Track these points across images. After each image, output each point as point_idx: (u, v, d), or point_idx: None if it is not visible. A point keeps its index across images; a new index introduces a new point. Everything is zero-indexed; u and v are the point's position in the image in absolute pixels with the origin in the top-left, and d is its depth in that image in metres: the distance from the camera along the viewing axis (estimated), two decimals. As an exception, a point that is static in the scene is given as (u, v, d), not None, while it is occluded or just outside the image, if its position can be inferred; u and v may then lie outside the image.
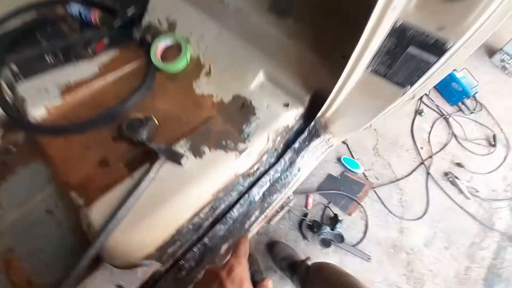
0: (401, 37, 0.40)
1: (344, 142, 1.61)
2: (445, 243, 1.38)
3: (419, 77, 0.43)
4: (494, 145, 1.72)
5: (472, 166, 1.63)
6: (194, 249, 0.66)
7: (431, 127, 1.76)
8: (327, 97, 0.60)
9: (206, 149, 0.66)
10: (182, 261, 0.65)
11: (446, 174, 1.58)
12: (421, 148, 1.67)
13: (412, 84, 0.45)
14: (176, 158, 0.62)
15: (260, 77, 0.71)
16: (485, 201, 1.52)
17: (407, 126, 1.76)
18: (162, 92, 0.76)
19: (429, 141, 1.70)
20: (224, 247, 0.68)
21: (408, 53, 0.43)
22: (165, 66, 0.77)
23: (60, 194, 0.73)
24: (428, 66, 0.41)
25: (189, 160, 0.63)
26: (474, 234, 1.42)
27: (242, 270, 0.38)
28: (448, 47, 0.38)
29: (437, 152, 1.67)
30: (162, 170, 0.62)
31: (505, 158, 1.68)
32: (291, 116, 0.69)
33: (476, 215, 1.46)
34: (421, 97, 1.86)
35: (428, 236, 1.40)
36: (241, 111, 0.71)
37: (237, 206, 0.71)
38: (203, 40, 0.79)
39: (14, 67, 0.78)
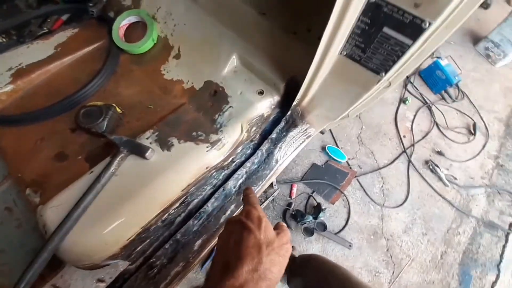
0: (375, 15, 0.36)
1: (325, 132, 1.60)
2: (423, 229, 1.42)
3: (394, 62, 0.40)
4: (473, 134, 1.75)
5: (452, 154, 1.66)
6: (165, 246, 0.63)
7: (414, 116, 1.77)
8: (302, 83, 0.55)
9: (174, 140, 0.62)
10: (153, 259, 0.62)
11: (426, 162, 1.61)
12: (404, 136, 1.69)
13: (387, 70, 0.41)
14: (140, 151, 0.57)
15: (234, 61, 0.66)
16: (462, 188, 1.56)
17: (391, 114, 1.76)
18: (126, 76, 0.70)
19: (411, 130, 1.72)
20: (198, 243, 0.65)
21: (383, 35, 0.39)
22: (129, 47, 0.70)
23: (18, 191, 0.67)
24: (403, 49, 0.37)
25: (155, 153, 0.59)
26: (451, 220, 1.47)
27: (258, 211, 0.39)
28: (425, 27, 0.34)
29: (419, 140, 1.69)
30: (125, 164, 0.57)
31: (483, 146, 1.73)
32: (266, 104, 0.65)
33: (454, 202, 1.51)
34: (406, 85, 1.86)
35: (407, 222, 1.43)
36: (213, 99, 0.66)
37: (212, 200, 0.68)
38: (171, 18, 0.71)
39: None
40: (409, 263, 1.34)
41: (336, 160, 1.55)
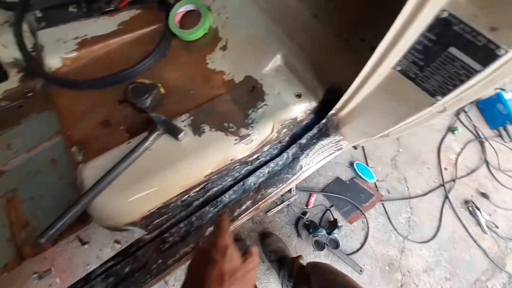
0: (443, 32, 0.33)
1: (358, 147, 1.52)
2: (447, 274, 1.29)
3: (455, 87, 0.36)
4: (530, 181, 1.53)
5: (498, 199, 1.47)
6: (180, 225, 0.66)
7: (462, 149, 1.60)
8: (343, 93, 0.53)
9: (206, 127, 0.64)
10: (167, 234, 0.65)
11: (466, 202, 1.45)
12: (445, 169, 1.53)
13: (444, 94, 0.38)
14: (174, 132, 0.60)
15: (277, 60, 0.66)
16: (502, 239, 1.38)
17: (434, 142, 1.61)
18: (174, 60, 0.73)
19: (456, 163, 1.55)
20: (209, 229, 0.67)
21: (448, 55, 0.35)
22: (182, 33, 0.74)
23: (65, 147, 0.75)
24: (469, 75, 0.33)
25: (187, 137, 0.61)
26: (481, 271, 1.31)
27: (225, 240, 0.39)
28: (500, 54, 0.30)
29: (463, 176, 1.52)
30: (159, 141, 0.60)
31: (540, 198, 1.50)
32: (302, 108, 0.63)
33: (489, 252, 1.34)
34: (458, 113, 1.69)
35: (431, 262, 1.31)
36: (250, 94, 0.66)
37: (230, 192, 0.69)
38: (225, 11, 0.73)
39: (39, 13, 0.79)
40: (423, 305, 1.23)
41: (363, 179, 1.47)
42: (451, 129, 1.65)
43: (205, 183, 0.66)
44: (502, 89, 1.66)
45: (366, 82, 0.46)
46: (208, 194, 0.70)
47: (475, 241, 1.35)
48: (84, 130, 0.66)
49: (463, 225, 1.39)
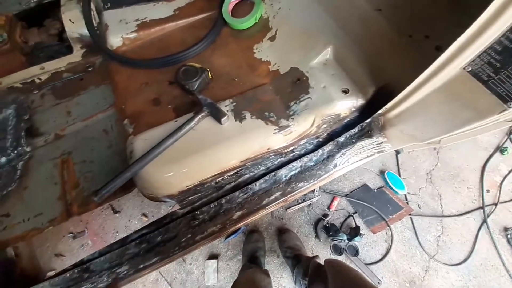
0: (530, 34, 0.30)
1: (401, 152, 1.45)
2: (475, 302, 1.19)
3: (534, 94, 0.33)
4: None
5: (547, 233, 1.32)
6: (211, 205, 0.69)
7: (510, 171, 1.45)
8: (397, 93, 0.51)
9: (248, 114, 0.65)
10: (198, 212, 0.69)
11: (506, 229, 1.32)
12: (487, 191, 1.40)
13: (519, 101, 0.35)
14: (218, 115, 0.62)
15: (327, 53, 0.65)
16: (545, 277, 1.23)
17: (479, 160, 1.48)
18: (222, 47, 0.76)
19: (500, 186, 1.41)
20: (237, 214, 0.69)
21: (530, 59, 0.32)
22: (233, 21, 0.76)
23: (117, 119, 0.82)
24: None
25: (229, 121, 0.64)
26: (515, 305, 1.19)
27: None
28: None
29: (506, 201, 1.38)
30: (203, 122, 0.64)
31: None
32: (347, 105, 0.62)
33: (527, 287, 1.21)
34: (511, 133, 1.52)
35: (457, 287, 1.22)
36: (294, 86, 0.66)
37: (261, 180, 0.71)
38: (278, 1, 0.74)
39: (106, -6, 0.86)
40: (443, 331, 1.15)
41: (393, 190, 1.40)
42: (500, 149, 1.50)
43: (240, 168, 0.68)
44: None
45: (428, 82, 0.43)
46: (240, 179, 0.72)
47: (507, 271, 1.23)
48: (136, 106, 0.71)
49: (498, 253, 1.26)
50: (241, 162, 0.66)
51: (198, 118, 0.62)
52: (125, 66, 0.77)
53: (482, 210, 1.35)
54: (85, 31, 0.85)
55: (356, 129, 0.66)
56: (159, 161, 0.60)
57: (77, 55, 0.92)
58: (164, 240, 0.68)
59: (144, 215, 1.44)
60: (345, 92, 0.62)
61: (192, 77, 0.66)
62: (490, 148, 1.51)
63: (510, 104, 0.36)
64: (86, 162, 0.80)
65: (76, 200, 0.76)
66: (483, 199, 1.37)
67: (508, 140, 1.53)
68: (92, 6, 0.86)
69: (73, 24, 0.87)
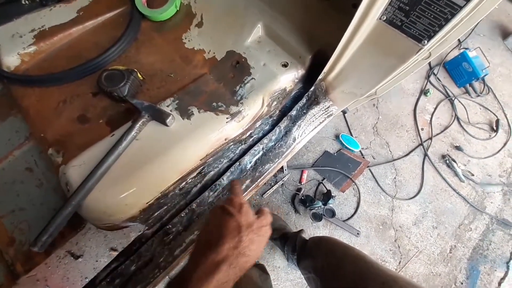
0: (427, -28, 0.33)
1: (343, 113, 1.56)
2: (434, 223, 1.40)
3: (440, 27, 0.36)
4: (495, 131, 1.68)
5: (471, 150, 1.60)
6: (181, 214, 0.64)
7: (435, 108, 1.70)
8: (330, 56, 0.53)
9: (194, 109, 0.61)
10: (169, 225, 0.63)
11: (443, 156, 1.56)
12: (422, 129, 1.63)
13: (430, 37, 0.38)
14: (161, 117, 0.57)
15: (259, 31, 0.63)
16: (478, 185, 1.51)
17: (410, 106, 1.70)
18: (147, 43, 0.68)
19: (430, 123, 1.65)
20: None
21: (433, -4, 0.36)
22: (151, 13, 0.69)
23: (39, 151, 0.69)
24: (454, 12, 0.34)
25: (175, 121, 0.58)
26: (463, 216, 1.44)
27: (240, 199, 0.43)
28: (483, -14, 0.31)
29: (438, 134, 1.63)
30: (146, 129, 0.57)
31: (504, 144, 1.65)
32: (290, 78, 0.62)
33: (468, 198, 1.47)
34: (429, 76, 1.78)
35: (418, 215, 1.41)
36: (234, 70, 0.64)
37: (227, 173, 0.68)
38: (195, -16, 0.69)
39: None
40: (416, 254, 1.33)
41: (349, 149, 1.52)
42: (423, 92, 1.74)
43: (202, 167, 0.64)
44: (466, 49, 1.77)
45: (352, 40, 0.46)
46: (205, 178, 0.68)
47: (454, 190, 1.47)
48: (59, 129, 0.60)
49: (443, 178, 1.50)
50: (201, 160, 0.62)
51: (138, 125, 0.55)
52: (31, 86, 0.64)
53: (421, 146, 1.57)
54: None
55: (304, 100, 0.67)
56: (106, 184, 0.52)
57: (-38, 88, 0.73)
58: (139, 267, 0.61)
59: (113, 249, 1.29)
60: (285, 65, 0.62)
61: (118, 82, 0.58)
62: (416, 93, 1.74)
63: (424, 42, 0.39)
64: (15, 212, 0.66)
65: (17, 258, 0.63)
66: (420, 137, 1.59)
67: (428, 82, 1.78)
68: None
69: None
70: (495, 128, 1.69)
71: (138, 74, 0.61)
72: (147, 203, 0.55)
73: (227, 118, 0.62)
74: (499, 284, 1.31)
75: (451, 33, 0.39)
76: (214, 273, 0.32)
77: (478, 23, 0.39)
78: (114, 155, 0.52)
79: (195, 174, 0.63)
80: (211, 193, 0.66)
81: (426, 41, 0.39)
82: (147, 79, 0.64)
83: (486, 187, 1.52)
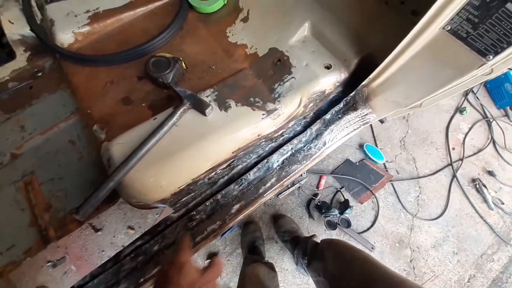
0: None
1: (385, 121, 1.52)
2: (455, 248, 1.33)
3: (509, 44, 0.34)
4: (534, 159, 1.56)
5: (504, 177, 1.50)
6: (206, 203, 0.65)
7: (470, 129, 1.61)
8: (379, 62, 0.51)
9: (232, 103, 0.62)
10: (194, 212, 0.65)
11: (473, 180, 1.47)
12: (453, 149, 1.55)
13: (497, 53, 0.36)
14: (201, 107, 0.58)
15: (305, 30, 0.63)
16: (508, 215, 1.42)
17: (443, 123, 1.62)
18: (192, 33, 0.70)
19: (463, 143, 1.57)
20: (235, 207, 0.66)
21: (505, 11, 0.34)
22: (199, 4, 0.70)
23: (83, 126, 0.73)
24: (531, 29, 0.32)
25: (213, 111, 0.60)
26: (487, 245, 1.35)
27: (179, 258, 0.42)
28: None
29: (470, 156, 1.54)
30: (186, 117, 0.59)
31: (543, 175, 1.53)
32: (331, 80, 0.62)
33: (495, 227, 1.38)
34: (466, 94, 1.68)
35: (439, 238, 1.35)
36: (275, 67, 0.64)
37: (254, 169, 0.68)
38: (246, -21, 0.70)
39: (46, -14, 0.74)
40: (432, 278, 1.27)
41: (373, 160, 1.48)
42: (459, 110, 1.65)
43: (232, 160, 0.65)
44: (510, 69, 1.65)
45: (409, 47, 0.44)
46: (233, 171, 0.69)
47: (481, 217, 1.39)
48: (105, 108, 0.64)
49: (470, 202, 1.42)
50: (233, 153, 0.63)
51: (179, 112, 0.57)
52: (82, 65, 0.68)
53: (450, 167, 1.49)
54: (27, 31, 0.73)
55: (341, 104, 0.66)
56: (144, 165, 0.55)
57: (21, 60, 0.79)
58: (162, 248, 0.63)
59: (130, 227, 1.34)
60: (328, 67, 0.61)
61: (164, 69, 0.60)
62: (450, 110, 1.66)
63: (489, 58, 0.37)
64: (55, 180, 0.70)
65: (51, 223, 0.67)
66: (450, 157, 1.51)
67: (466, 100, 1.68)
68: (33, 2, 0.73)
69: (13, 25, 0.74)
70: (534, 156, 1.57)
71: (183, 63, 0.63)
72: (179, 187, 0.57)
73: (263, 115, 0.62)
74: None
75: (521, 51, 0.36)
76: None
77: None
78: (155, 138, 0.54)
79: (224, 166, 0.64)
80: (236, 187, 0.67)
81: (491, 57, 0.37)
82: (189, 68, 0.66)
83: (517, 219, 1.41)
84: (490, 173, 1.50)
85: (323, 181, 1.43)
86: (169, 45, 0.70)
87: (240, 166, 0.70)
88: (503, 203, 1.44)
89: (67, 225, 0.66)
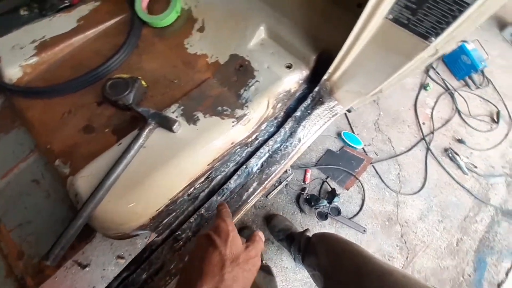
0: (434, -30, 0.33)
1: (348, 112, 1.56)
2: (439, 217, 1.40)
3: (448, 24, 0.36)
4: (496, 122, 1.68)
5: (473, 143, 1.61)
6: (190, 220, 0.64)
7: (435, 102, 1.70)
8: (335, 57, 0.53)
9: (200, 115, 0.61)
10: (179, 232, 0.63)
11: (446, 150, 1.56)
12: (423, 123, 1.63)
13: (438, 34, 0.38)
14: (167, 124, 0.56)
15: (261, 33, 0.63)
16: (482, 177, 1.52)
17: (410, 101, 1.70)
18: (148, 50, 0.68)
19: (431, 117, 1.66)
20: (221, 218, 0.65)
21: (440, -7, 0.36)
22: (152, 19, 0.68)
23: (45, 163, 0.68)
24: (461, 9, 0.34)
25: (181, 127, 0.58)
26: (468, 208, 1.44)
27: (227, 225, 0.39)
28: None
29: (439, 128, 1.63)
30: (153, 136, 0.57)
31: (506, 135, 1.66)
32: (294, 79, 0.62)
33: (472, 190, 1.47)
34: (428, 70, 1.78)
35: (423, 210, 1.41)
36: (238, 73, 0.64)
37: (235, 177, 0.68)
38: (195, -11, 0.69)
39: (-19, 21, 0.69)
40: (423, 249, 1.33)
41: (352, 147, 1.52)
42: (423, 86, 1.74)
43: (209, 172, 0.64)
44: (464, 41, 1.77)
45: (358, 39, 0.46)
46: (213, 183, 0.68)
47: (458, 183, 1.48)
48: (65, 140, 0.60)
49: (446, 171, 1.50)
50: (208, 165, 0.62)
51: (145, 133, 0.55)
52: (34, 98, 0.63)
53: (423, 141, 1.57)
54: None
55: (308, 100, 0.67)
56: (115, 194, 0.52)
57: (-35, 102, 0.73)
58: (150, 275, 0.61)
59: (120, 257, 1.28)
60: (289, 67, 0.62)
61: (123, 90, 0.58)
62: (415, 88, 1.75)
63: (431, 40, 0.39)
64: (23, 225, 0.65)
65: (26, 272, 0.62)
66: (422, 132, 1.59)
67: (428, 77, 1.78)
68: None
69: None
70: (496, 119, 1.69)
71: (142, 82, 0.61)
72: (156, 210, 0.55)
73: (232, 122, 0.62)
74: (507, 274, 1.31)
75: (459, 30, 0.39)
76: None
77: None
78: (123, 164, 0.52)
79: (202, 179, 0.63)
80: (218, 198, 0.66)
81: (433, 39, 0.39)
82: (150, 86, 0.64)
83: (489, 179, 1.52)
84: (460, 141, 1.60)
85: (308, 175, 1.45)
86: (126, 64, 0.68)
87: (219, 177, 0.69)
88: (475, 167, 1.54)
89: (43, 271, 0.62)
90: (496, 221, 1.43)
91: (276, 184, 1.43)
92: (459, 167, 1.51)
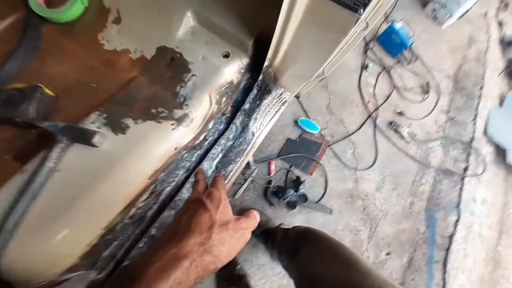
0: None
1: (297, 98, 1.58)
2: (392, 185, 1.53)
3: (374, -5, 0.35)
4: (427, 92, 1.89)
5: (411, 114, 1.78)
6: (139, 245, 0.55)
7: (376, 81, 1.84)
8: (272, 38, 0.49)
9: (130, 121, 0.51)
10: (127, 261, 0.54)
11: (390, 123, 1.70)
12: (368, 102, 1.75)
13: (365, 4, 0.37)
14: (85, 137, 0.46)
15: (189, 20, 0.56)
16: (422, 143, 1.70)
17: (355, 82, 1.80)
18: (55, 51, 0.55)
19: (374, 95, 1.78)
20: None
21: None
22: (52, 13, 0.55)
23: None
24: (385, -24, 0.33)
25: (106, 139, 0.48)
26: (415, 173, 1.61)
27: (220, 194, 0.38)
28: None
29: (382, 104, 1.77)
30: (68, 156, 0.46)
31: (436, 103, 1.88)
32: (235, 68, 0.57)
33: (416, 157, 1.64)
34: (366, 51, 1.91)
35: (379, 181, 1.53)
36: (171, 68, 0.56)
37: (187, 185, 0.61)
38: (102, -27, 0.57)
39: None
40: (383, 217, 1.44)
41: (309, 132, 1.55)
42: (364, 67, 1.86)
43: (153, 186, 0.55)
44: (393, 21, 1.93)
45: (290, 18, 0.42)
46: (161, 197, 0.59)
47: (404, 152, 1.63)
48: None
49: (392, 143, 1.64)
50: (149, 178, 0.53)
51: (55, 153, 0.43)
52: None
53: (370, 118, 1.68)
54: None
55: (255, 91, 0.63)
56: (25, 234, 0.41)
57: None
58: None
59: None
60: (227, 55, 0.56)
61: (19, 103, 0.45)
62: (357, 69, 1.85)
63: (360, 11, 0.38)
64: None
65: None
66: (368, 110, 1.71)
67: (366, 58, 1.91)
68: None
69: None
70: (426, 90, 1.91)
71: (46, 90, 0.49)
72: (87, 245, 0.45)
73: (172, 125, 0.54)
74: (455, 226, 1.50)
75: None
76: (172, 270, 0.28)
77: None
78: (29, 196, 0.40)
79: (146, 195, 0.54)
80: (171, 212, 0.59)
81: (361, 10, 0.38)
82: (60, 94, 0.51)
83: (428, 144, 1.71)
84: (400, 113, 1.76)
85: (273, 167, 1.44)
86: (25, 73, 0.54)
87: (168, 188, 0.60)
88: (416, 135, 1.71)
89: None
90: (438, 180, 1.62)
91: (242, 182, 1.38)
92: (403, 137, 1.67)
